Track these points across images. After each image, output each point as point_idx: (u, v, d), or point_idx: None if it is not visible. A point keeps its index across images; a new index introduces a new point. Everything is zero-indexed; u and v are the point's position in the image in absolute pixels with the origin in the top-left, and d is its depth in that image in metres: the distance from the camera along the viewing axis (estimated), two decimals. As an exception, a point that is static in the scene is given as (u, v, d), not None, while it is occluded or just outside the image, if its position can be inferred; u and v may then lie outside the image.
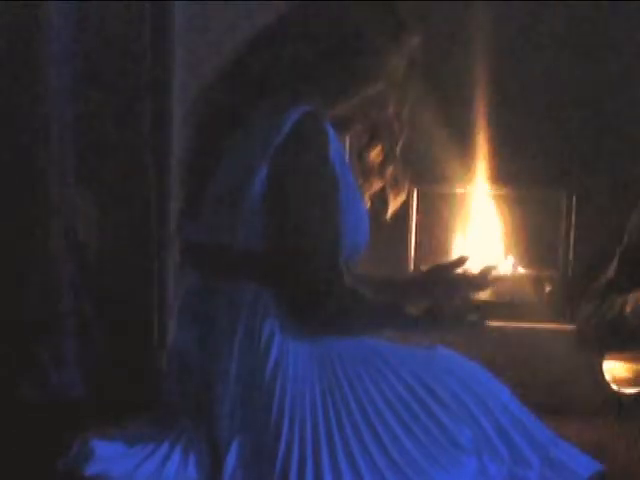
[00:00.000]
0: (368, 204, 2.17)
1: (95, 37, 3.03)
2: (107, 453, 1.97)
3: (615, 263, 2.78)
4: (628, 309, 2.63)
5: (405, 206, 2.41)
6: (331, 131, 1.98)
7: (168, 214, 3.07)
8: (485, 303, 3.40)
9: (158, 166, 3.07)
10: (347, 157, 2.08)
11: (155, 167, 3.07)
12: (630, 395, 2.69)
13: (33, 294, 3.00)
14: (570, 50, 3.37)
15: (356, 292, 2.01)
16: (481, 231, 3.43)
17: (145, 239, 3.07)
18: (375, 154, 2.18)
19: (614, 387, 2.73)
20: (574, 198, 3.40)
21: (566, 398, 3.07)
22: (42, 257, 3.01)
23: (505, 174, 3.34)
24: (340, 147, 2.01)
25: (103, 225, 3.07)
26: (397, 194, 2.24)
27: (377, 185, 2.20)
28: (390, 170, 2.20)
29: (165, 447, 1.98)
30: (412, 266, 3.37)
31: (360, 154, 2.15)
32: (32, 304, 3.00)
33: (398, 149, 2.20)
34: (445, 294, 2.22)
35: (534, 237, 3.43)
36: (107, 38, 3.02)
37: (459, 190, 3.39)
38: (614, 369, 2.73)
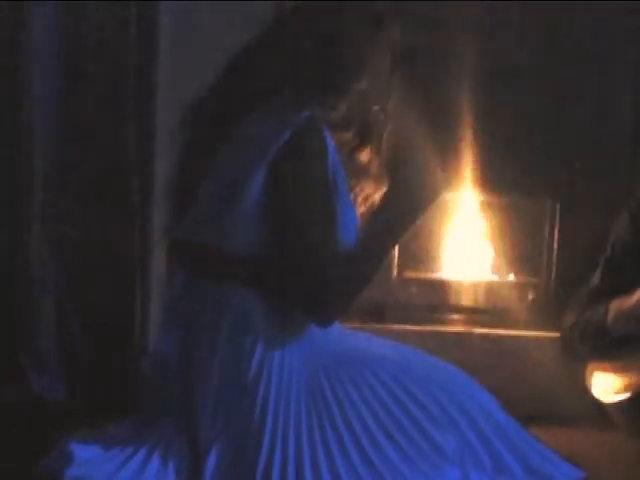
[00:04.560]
0: (362, 208, 2.17)
1: (80, 40, 3.02)
2: (87, 457, 1.96)
3: (599, 272, 2.79)
4: (609, 318, 2.63)
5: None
6: (328, 135, 1.98)
7: (151, 219, 3.06)
8: (468, 310, 3.41)
9: (142, 170, 3.06)
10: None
11: (139, 171, 3.06)
12: (613, 403, 2.69)
13: (14, 297, 2.99)
14: (557, 60, 3.38)
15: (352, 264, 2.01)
16: (465, 238, 3.44)
17: (128, 243, 3.06)
18: (365, 154, 2.18)
19: (597, 395, 2.74)
20: (558, 206, 3.41)
21: (549, 406, 3.07)
22: (24, 261, 3.00)
23: (489, 181, 3.34)
24: (334, 151, 2.01)
25: (86, 229, 3.05)
26: (379, 187, 2.24)
27: (368, 186, 2.20)
28: (375, 164, 2.20)
29: (144, 451, 1.98)
30: (395, 272, 3.37)
31: (351, 155, 2.16)
32: (13, 307, 2.99)
33: (384, 143, 2.20)
34: None
35: (518, 244, 3.43)
36: (92, 41, 3.01)
37: (445, 196, 3.39)
38: (597, 377, 2.74)
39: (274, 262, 1.98)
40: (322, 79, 2.05)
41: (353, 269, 2.00)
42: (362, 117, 2.13)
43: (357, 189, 2.16)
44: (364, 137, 2.16)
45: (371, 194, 2.17)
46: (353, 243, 2.04)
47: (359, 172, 2.15)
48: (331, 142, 1.99)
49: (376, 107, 2.14)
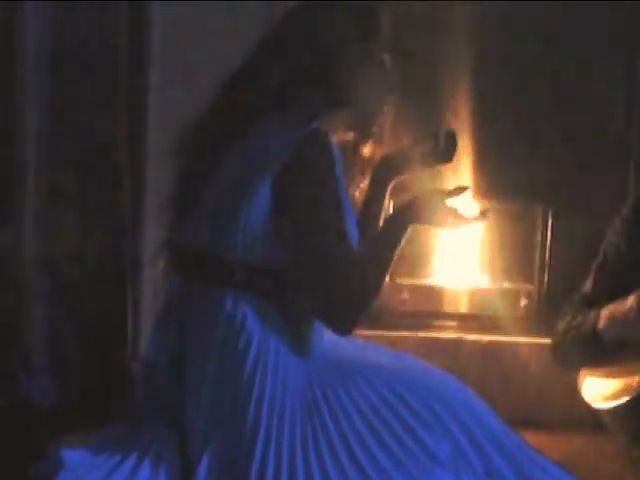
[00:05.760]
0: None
1: (71, 43, 3.02)
2: (78, 462, 1.96)
3: (591, 278, 2.79)
4: (601, 324, 2.63)
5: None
6: (335, 145, 1.99)
7: (143, 225, 3.06)
8: (460, 316, 3.41)
9: (134, 172, 3.06)
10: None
11: (131, 172, 3.06)
12: (604, 409, 2.69)
13: (4, 301, 2.98)
14: (551, 66, 3.39)
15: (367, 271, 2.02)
16: (457, 244, 3.44)
17: (119, 248, 3.06)
18: (368, 148, 2.19)
19: (588, 401, 2.74)
20: (550, 212, 3.41)
21: (541, 411, 3.07)
22: (14, 264, 2.99)
23: (482, 188, 3.34)
24: (340, 159, 2.01)
25: (77, 232, 3.05)
26: None
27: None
28: (379, 156, 2.22)
29: (136, 456, 1.97)
30: (387, 278, 3.37)
31: (355, 151, 2.16)
32: (3, 311, 2.98)
33: (386, 135, 2.21)
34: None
35: (510, 251, 3.44)
36: (84, 42, 3.00)
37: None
38: (588, 383, 2.74)
39: (281, 272, 2.00)
40: (325, 89, 2.05)
41: (367, 275, 2.01)
42: (366, 115, 2.14)
43: (363, 185, 2.17)
44: (367, 131, 2.17)
45: None
46: (355, 244, 2.05)
47: (365, 167, 2.16)
48: (338, 151, 2.00)
49: (379, 99, 2.15)
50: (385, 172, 2.27)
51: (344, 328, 2.00)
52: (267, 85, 2.06)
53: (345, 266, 1.97)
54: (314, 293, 1.98)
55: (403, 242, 2.07)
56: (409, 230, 2.07)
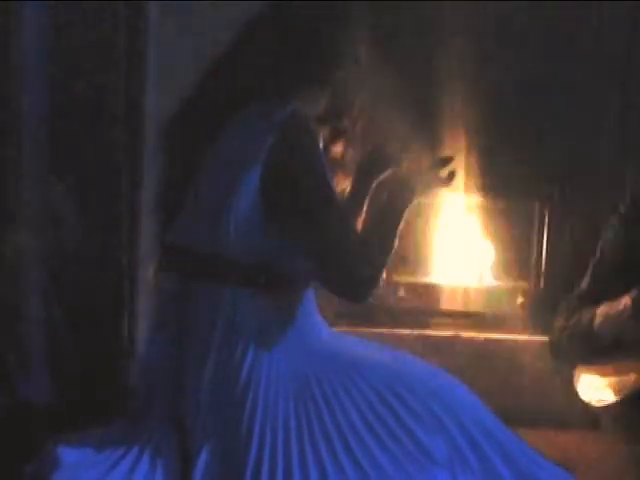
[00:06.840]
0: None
1: (69, 41, 3.01)
2: (74, 461, 1.96)
3: (588, 276, 2.79)
4: (596, 322, 2.64)
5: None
6: (314, 128, 2.00)
7: (140, 222, 3.05)
8: (457, 313, 3.41)
9: (131, 170, 3.06)
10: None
11: (128, 171, 3.05)
12: (600, 406, 2.70)
13: (3, 301, 2.98)
14: (546, 64, 3.38)
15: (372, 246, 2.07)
16: (454, 241, 3.44)
17: (116, 247, 3.05)
18: (339, 146, 2.20)
19: (585, 398, 2.74)
20: (547, 210, 3.41)
21: (538, 409, 3.07)
22: (10, 262, 2.99)
23: (479, 185, 3.34)
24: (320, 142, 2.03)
25: (74, 231, 3.05)
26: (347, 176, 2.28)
27: (341, 178, 2.23)
28: (349, 156, 2.23)
29: (133, 454, 1.98)
30: (384, 275, 3.37)
31: (325, 148, 2.17)
32: (1, 311, 2.98)
33: (357, 133, 2.22)
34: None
35: (507, 248, 3.44)
36: (81, 42, 3.00)
37: (433, 200, 3.39)
38: (585, 380, 2.74)
39: (276, 265, 1.99)
40: (303, 74, 2.06)
41: (374, 245, 2.07)
42: (340, 109, 2.15)
43: (334, 182, 2.18)
44: (338, 128, 2.17)
45: (344, 186, 2.21)
46: None
47: (334, 165, 2.17)
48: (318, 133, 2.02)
49: (352, 97, 2.16)
50: (372, 166, 2.28)
51: (357, 296, 2.04)
52: (248, 77, 2.07)
53: (347, 238, 2.01)
54: (324, 266, 2.01)
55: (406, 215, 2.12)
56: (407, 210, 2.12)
